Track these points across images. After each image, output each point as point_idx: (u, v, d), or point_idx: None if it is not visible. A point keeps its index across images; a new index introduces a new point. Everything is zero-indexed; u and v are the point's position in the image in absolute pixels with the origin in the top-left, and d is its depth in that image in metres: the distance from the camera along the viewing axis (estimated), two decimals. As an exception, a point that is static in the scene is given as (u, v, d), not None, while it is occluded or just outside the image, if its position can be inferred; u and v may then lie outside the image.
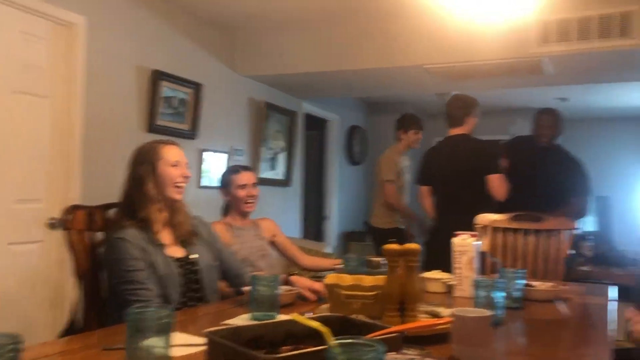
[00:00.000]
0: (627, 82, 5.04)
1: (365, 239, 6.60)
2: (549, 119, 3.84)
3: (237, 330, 1.15)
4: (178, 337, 1.32)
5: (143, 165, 1.95)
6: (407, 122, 4.57)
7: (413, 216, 4.52)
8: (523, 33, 3.83)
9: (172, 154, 1.99)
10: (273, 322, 1.23)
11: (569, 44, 3.70)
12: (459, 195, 3.37)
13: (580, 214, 3.69)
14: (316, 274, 2.92)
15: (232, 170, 2.84)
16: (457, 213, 3.29)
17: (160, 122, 3.83)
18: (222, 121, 4.53)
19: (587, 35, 3.64)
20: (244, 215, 2.77)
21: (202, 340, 1.15)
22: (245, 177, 2.75)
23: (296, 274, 2.01)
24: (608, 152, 7.07)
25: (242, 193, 2.72)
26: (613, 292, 2.23)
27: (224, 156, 4.48)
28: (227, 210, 2.83)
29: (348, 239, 6.67)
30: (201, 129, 4.20)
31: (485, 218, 3.10)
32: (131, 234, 1.85)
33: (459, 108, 3.46)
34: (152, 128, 3.75)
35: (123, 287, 1.79)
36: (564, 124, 3.93)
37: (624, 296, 2.42)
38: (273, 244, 2.87)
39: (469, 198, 3.31)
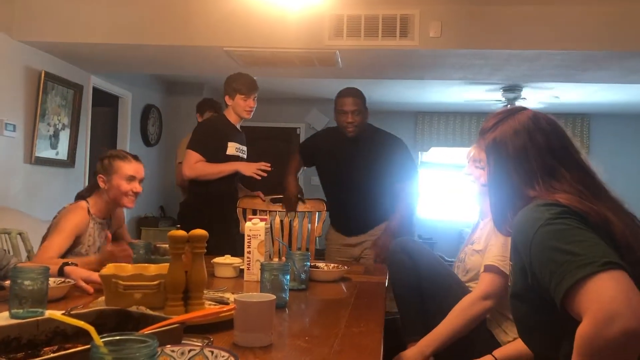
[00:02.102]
0: (405, 79, 5.58)
1: (160, 224, 6.37)
2: (353, 102, 3.04)
3: (-14, 333, 0.99)
4: None
5: None
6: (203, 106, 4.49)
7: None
8: (318, 25, 3.99)
9: None
10: (35, 320, 1.08)
11: (357, 40, 3.95)
12: None
13: (412, 200, 3.15)
14: None
15: (118, 155, 2.38)
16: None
17: None
18: (-10, 91, 3.95)
19: (373, 33, 3.93)
20: (113, 208, 2.38)
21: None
22: (135, 169, 2.35)
23: (71, 264, 1.82)
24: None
25: (127, 186, 2.31)
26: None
27: (-8, 131, 3.92)
28: (89, 193, 2.38)
29: (141, 224, 6.36)
30: (-38, 98, 3.61)
31: (245, 202, 3.24)
32: None
33: None
34: None
35: None
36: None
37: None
38: (114, 235, 2.51)
39: None
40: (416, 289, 2.00)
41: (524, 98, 6.23)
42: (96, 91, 5.43)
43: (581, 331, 0.99)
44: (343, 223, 3.24)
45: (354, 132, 3.07)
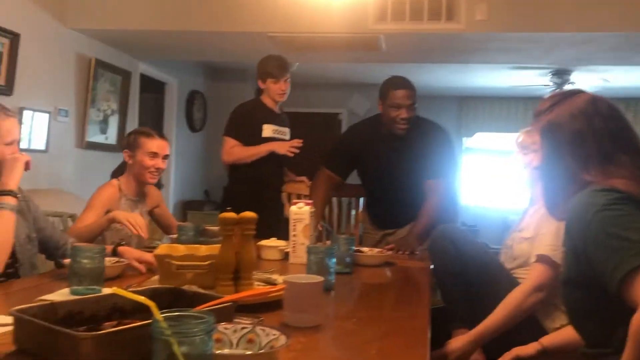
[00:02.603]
0: (450, 63, 5.49)
1: (204, 208, 6.49)
2: (409, 95, 2.76)
3: (52, 306, 1.04)
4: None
5: None
6: None
7: None
8: (362, 9, 3.95)
9: (10, 129, 1.77)
10: (95, 297, 1.14)
11: (402, 24, 3.90)
12: None
13: (443, 200, 2.80)
14: None
15: (143, 132, 2.48)
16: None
17: (-33, 73, 3.34)
18: (44, 77, 4.08)
19: (419, 17, 3.87)
20: (141, 185, 2.47)
21: (10, 319, 1.02)
22: (158, 145, 2.43)
23: (124, 245, 1.89)
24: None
25: (149, 162, 2.39)
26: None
27: (46, 116, 4.06)
28: (119, 172, 2.50)
29: (186, 207, 6.51)
30: (19, 84, 3.75)
31: (290, 186, 3.25)
32: None
33: None
34: (-44, 80, 3.27)
35: None
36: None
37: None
38: (151, 213, 2.63)
39: None
40: (460, 276, 1.96)
41: (573, 82, 6.05)
42: (143, 78, 5.56)
43: (637, 319, 0.97)
44: (380, 218, 3.05)
45: (406, 129, 2.75)
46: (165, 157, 2.48)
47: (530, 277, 1.82)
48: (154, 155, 2.41)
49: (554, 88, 6.15)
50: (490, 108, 7.72)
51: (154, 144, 2.42)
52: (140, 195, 2.52)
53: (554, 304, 1.86)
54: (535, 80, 6.28)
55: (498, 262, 2.02)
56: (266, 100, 3.21)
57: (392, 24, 3.92)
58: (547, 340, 1.71)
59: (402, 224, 2.91)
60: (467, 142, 7.92)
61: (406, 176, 2.83)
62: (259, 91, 3.30)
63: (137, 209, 2.50)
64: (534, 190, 2.01)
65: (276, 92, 3.16)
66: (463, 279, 1.96)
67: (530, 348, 1.69)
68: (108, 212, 2.32)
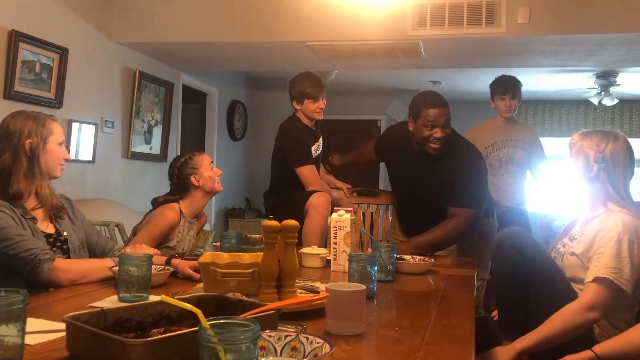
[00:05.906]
0: (491, 68, 5.41)
1: (246, 216, 6.56)
2: (444, 112, 2.57)
3: (102, 313, 1.07)
4: (36, 324, 1.20)
5: (31, 138, 1.81)
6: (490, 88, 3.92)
7: None
8: (401, 16, 3.95)
9: (60, 131, 1.90)
10: (144, 304, 1.17)
11: (441, 29, 3.88)
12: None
13: (460, 230, 2.57)
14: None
15: (194, 152, 2.58)
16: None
17: (20, 88, 3.48)
18: (91, 90, 4.22)
19: (458, 21, 3.84)
20: (209, 196, 2.57)
21: (62, 325, 1.05)
22: (208, 157, 2.61)
23: (176, 257, 1.94)
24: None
25: (214, 173, 2.55)
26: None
27: (93, 128, 4.19)
28: (177, 193, 2.52)
29: (228, 215, 6.60)
30: (68, 98, 3.89)
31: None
32: None
33: None
34: (10, 94, 3.40)
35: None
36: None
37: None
38: None
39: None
40: (522, 286, 1.87)
41: (619, 84, 5.87)
42: (185, 88, 5.67)
43: None
44: (404, 224, 2.99)
45: (440, 150, 2.57)
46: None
47: (582, 295, 1.76)
48: (211, 164, 2.58)
49: (599, 91, 5.99)
50: (533, 112, 7.56)
51: (208, 157, 2.58)
52: (196, 217, 2.60)
53: (619, 328, 1.79)
54: (579, 83, 6.13)
55: (562, 274, 1.90)
56: (303, 119, 3.16)
57: (431, 29, 3.90)
58: (601, 349, 1.63)
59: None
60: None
61: (431, 194, 2.68)
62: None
63: (192, 230, 2.58)
64: (589, 197, 1.93)
65: (315, 111, 3.11)
66: (524, 290, 1.87)
67: (583, 356, 1.63)
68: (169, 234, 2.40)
